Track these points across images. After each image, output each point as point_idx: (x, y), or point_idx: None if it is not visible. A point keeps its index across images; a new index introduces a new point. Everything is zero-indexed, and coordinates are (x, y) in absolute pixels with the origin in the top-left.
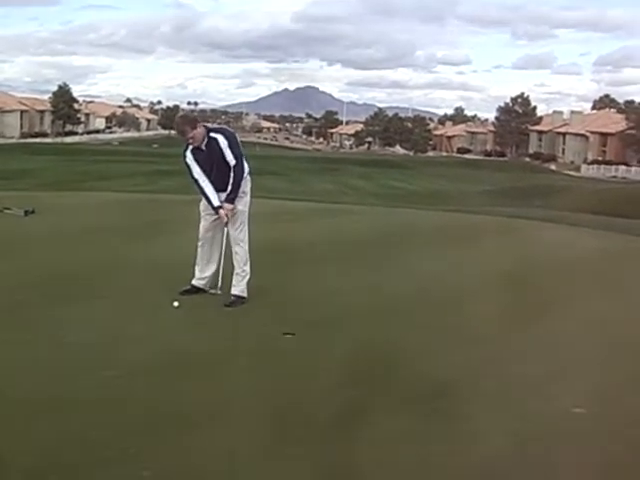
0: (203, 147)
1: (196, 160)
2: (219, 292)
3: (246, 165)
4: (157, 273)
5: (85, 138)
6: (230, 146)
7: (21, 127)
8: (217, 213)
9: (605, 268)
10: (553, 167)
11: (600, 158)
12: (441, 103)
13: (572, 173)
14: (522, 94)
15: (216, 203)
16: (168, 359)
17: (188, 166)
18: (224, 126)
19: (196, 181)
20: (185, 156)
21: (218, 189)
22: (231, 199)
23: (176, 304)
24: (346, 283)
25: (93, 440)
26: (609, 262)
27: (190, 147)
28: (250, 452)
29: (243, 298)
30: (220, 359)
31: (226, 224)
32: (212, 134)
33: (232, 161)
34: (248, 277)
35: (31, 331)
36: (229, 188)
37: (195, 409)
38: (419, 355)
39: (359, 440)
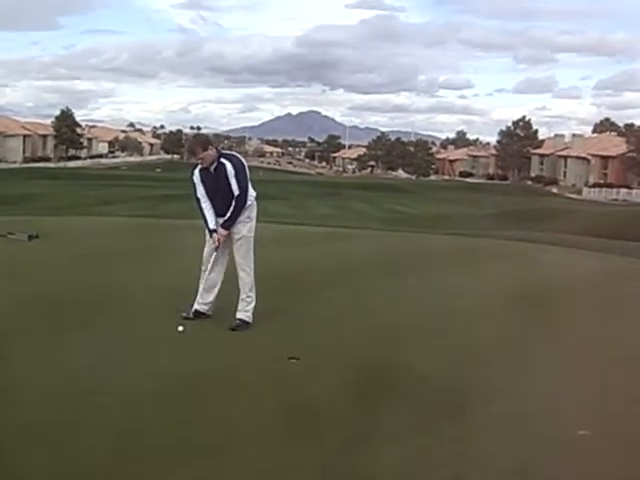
0: (212, 170)
1: (202, 181)
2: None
3: (252, 190)
4: (160, 298)
5: (88, 163)
6: (237, 176)
7: (24, 152)
8: (210, 236)
9: (605, 289)
10: (555, 190)
11: (601, 181)
12: (443, 127)
13: (574, 196)
14: (523, 117)
15: (212, 226)
16: (171, 383)
17: (193, 184)
18: (236, 154)
19: (198, 200)
20: (193, 174)
21: (218, 214)
22: (227, 226)
23: (181, 329)
24: (349, 307)
25: (94, 465)
26: (609, 284)
27: (199, 167)
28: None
29: (248, 323)
30: (224, 383)
31: (216, 249)
32: (222, 159)
33: (236, 191)
34: (254, 303)
35: (31, 356)
36: (227, 215)
37: (198, 434)
38: (423, 376)
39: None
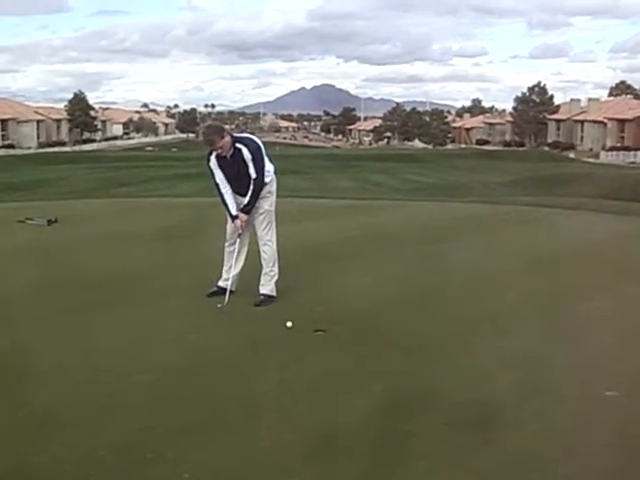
0: (228, 156)
1: (220, 166)
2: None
3: (270, 165)
4: (183, 276)
5: (103, 145)
6: (254, 160)
7: (38, 137)
8: (233, 222)
9: (626, 251)
10: (572, 155)
11: (618, 144)
12: (458, 95)
13: (591, 160)
14: (539, 83)
15: (233, 212)
16: (200, 361)
17: (211, 171)
18: (249, 135)
19: (217, 186)
20: (209, 160)
21: (242, 194)
22: (247, 210)
23: (289, 324)
24: (377, 278)
25: (130, 444)
26: (629, 245)
27: (215, 153)
28: (286, 455)
29: (272, 297)
30: (252, 358)
31: (239, 235)
32: (238, 145)
33: (253, 175)
34: (277, 277)
35: (63, 338)
36: (246, 199)
37: (230, 410)
38: (451, 346)
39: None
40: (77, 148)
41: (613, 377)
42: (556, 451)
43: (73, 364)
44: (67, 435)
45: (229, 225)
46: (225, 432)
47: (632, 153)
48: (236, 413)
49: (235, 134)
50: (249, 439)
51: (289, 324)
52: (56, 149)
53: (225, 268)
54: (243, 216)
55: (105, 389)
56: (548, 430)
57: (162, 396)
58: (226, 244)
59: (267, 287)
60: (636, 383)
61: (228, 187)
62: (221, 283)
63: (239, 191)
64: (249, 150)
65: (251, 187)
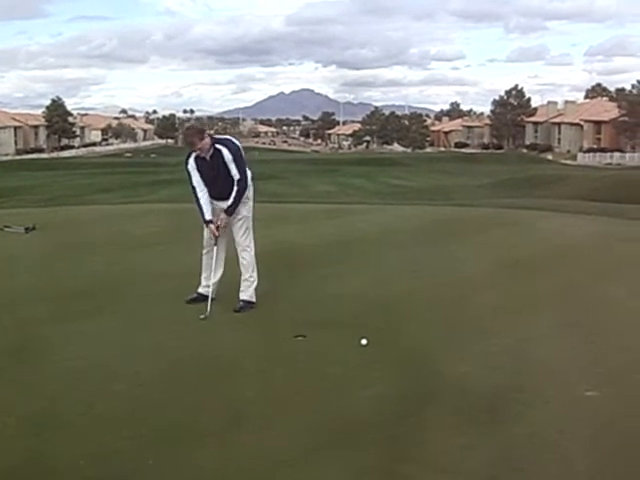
0: (207, 157)
1: (198, 169)
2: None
3: (249, 171)
4: (162, 283)
5: (82, 151)
6: (235, 161)
7: (15, 144)
8: (207, 226)
9: (603, 252)
10: (550, 157)
11: (595, 146)
12: (437, 99)
13: (569, 162)
14: (516, 86)
15: (207, 217)
16: (179, 369)
17: (189, 173)
18: (229, 137)
19: (194, 189)
20: (187, 163)
21: (221, 198)
22: (230, 212)
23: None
24: (356, 282)
25: (110, 453)
26: (606, 246)
27: (194, 155)
28: (268, 462)
29: (252, 303)
30: (232, 365)
31: (216, 242)
32: (217, 145)
33: (236, 176)
34: (256, 283)
35: (39, 348)
36: (230, 200)
37: (211, 417)
38: (431, 350)
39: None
40: (55, 155)
41: (593, 377)
42: (538, 452)
43: (51, 374)
44: (46, 445)
45: (206, 231)
46: (206, 440)
47: (609, 154)
48: (217, 421)
49: (215, 136)
50: (231, 447)
51: (364, 342)
52: (34, 156)
53: (204, 275)
54: (224, 216)
55: (84, 399)
56: (530, 432)
57: (142, 405)
58: (203, 251)
59: (247, 293)
60: (615, 383)
61: (205, 191)
62: (201, 290)
63: (219, 195)
64: (229, 151)
65: (235, 188)
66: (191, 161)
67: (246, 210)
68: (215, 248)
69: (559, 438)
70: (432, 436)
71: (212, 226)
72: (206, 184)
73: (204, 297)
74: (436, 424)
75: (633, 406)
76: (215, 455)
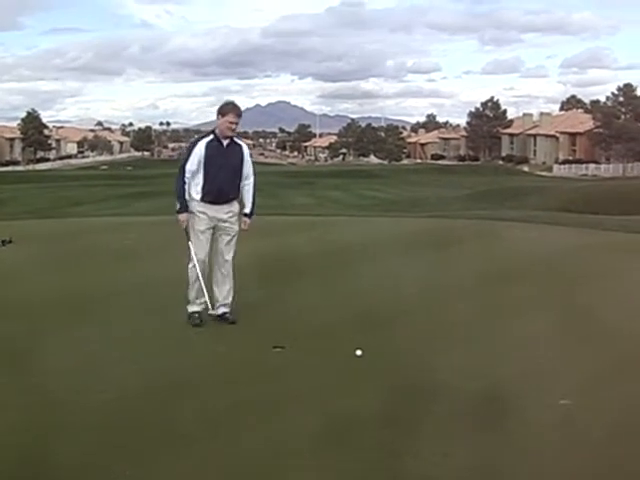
0: (224, 144)
1: (206, 154)
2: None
3: None
4: (140, 296)
5: (58, 164)
6: (250, 159)
7: None
8: (178, 214)
9: (579, 263)
10: (526, 169)
11: (570, 157)
12: (413, 111)
13: (544, 173)
14: (492, 98)
15: (181, 206)
16: (159, 380)
17: (188, 155)
18: None
19: (182, 172)
20: (195, 145)
21: (218, 195)
22: (251, 214)
23: (359, 353)
24: (329, 293)
25: (89, 464)
26: (584, 257)
27: (207, 140)
28: (248, 472)
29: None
30: (214, 377)
31: (188, 236)
32: (235, 139)
33: (251, 176)
34: (233, 295)
35: (18, 360)
36: (249, 204)
37: (191, 428)
38: (405, 362)
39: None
40: (31, 167)
41: (567, 385)
42: (515, 459)
43: (29, 386)
44: (26, 456)
45: (195, 243)
46: (186, 450)
47: (584, 166)
48: (197, 431)
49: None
50: (211, 456)
51: (359, 353)
52: (9, 168)
53: (194, 289)
54: (248, 220)
55: (64, 410)
56: (507, 439)
57: (122, 416)
58: (190, 265)
59: (229, 306)
60: (589, 391)
61: (192, 182)
62: (197, 308)
63: (217, 190)
64: (248, 149)
65: (251, 191)
66: (201, 144)
67: (237, 225)
68: (206, 261)
69: (535, 445)
70: (409, 444)
71: (181, 217)
72: (207, 173)
73: (219, 317)
74: (412, 432)
75: (607, 414)
76: (191, 467)
